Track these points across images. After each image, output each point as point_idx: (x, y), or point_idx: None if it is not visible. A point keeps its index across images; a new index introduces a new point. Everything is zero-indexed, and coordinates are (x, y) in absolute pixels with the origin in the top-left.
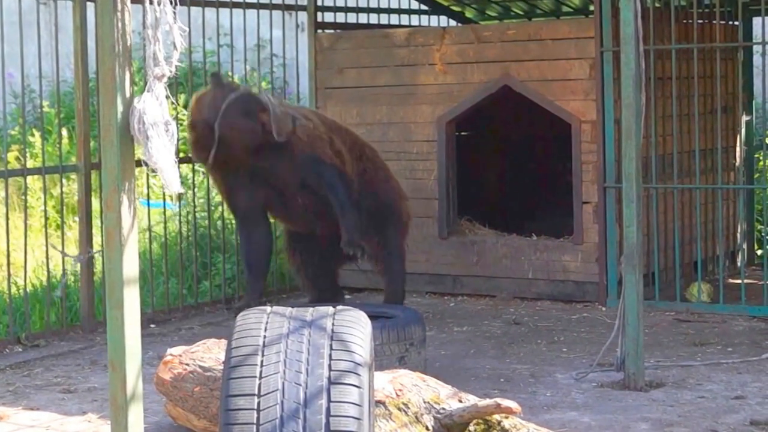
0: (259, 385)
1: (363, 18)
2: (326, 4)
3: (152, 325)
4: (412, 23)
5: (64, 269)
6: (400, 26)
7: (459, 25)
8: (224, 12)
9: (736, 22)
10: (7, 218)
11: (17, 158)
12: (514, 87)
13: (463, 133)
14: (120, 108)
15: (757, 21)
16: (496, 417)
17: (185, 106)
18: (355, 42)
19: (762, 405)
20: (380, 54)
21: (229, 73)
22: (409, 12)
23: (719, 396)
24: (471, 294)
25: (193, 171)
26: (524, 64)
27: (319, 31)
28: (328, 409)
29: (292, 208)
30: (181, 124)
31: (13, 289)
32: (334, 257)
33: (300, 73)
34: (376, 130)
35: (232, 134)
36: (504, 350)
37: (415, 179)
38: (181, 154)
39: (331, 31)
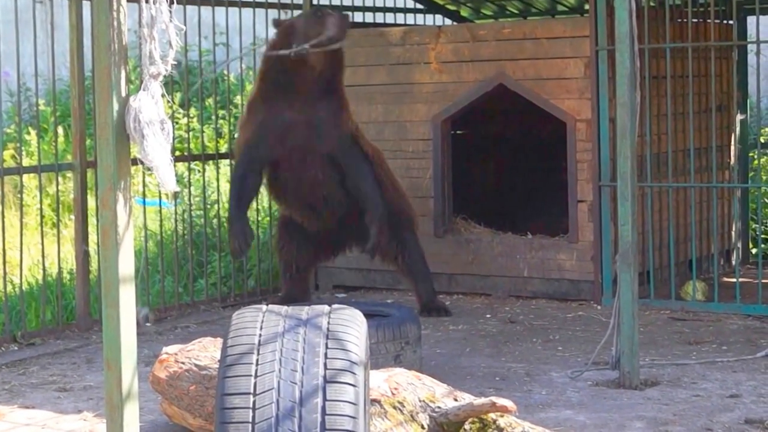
0: (255, 383)
1: (358, 17)
2: (322, 2)
3: (148, 324)
4: (408, 22)
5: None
6: (395, 25)
7: (454, 23)
8: (220, 11)
9: (731, 21)
10: (3, 216)
11: (13, 156)
12: (509, 86)
13: (458, 132)
14: (116, 106)
15: (751, 20)
16: (492, 415)
17: (181, 105)
18: (351, 40)
19: (757, 403)
20: (375, 53)
21: (225, 73)
22: (405, 11)
23: (714, 394)
24: (466, 292)
25: (189, 169)
26: (519, 62)
27: None
28: (323, 407)
29: (305, 180)
30: (177, 123)
31: (9, 288)
32: (324, 255)
33: None
34: (371, 129)
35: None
36: (499, 349)
37: (411, 178)
38: (177, 153)
39: None
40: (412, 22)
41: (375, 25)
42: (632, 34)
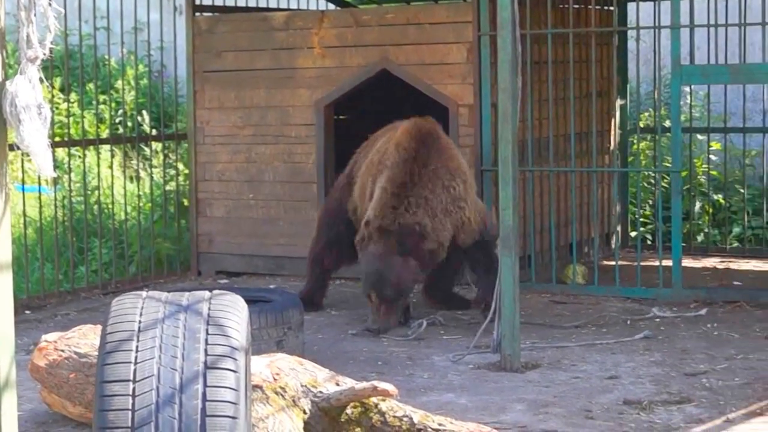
0: (135, 370)
1: (241, 1)
2: None
3: (27, 312)
4: (291, 6)
5: None
6: (278, 9)
7: (338, 8)
8: None
9: (611, 8)
10: None
11: None
12: (392, 71)
13: (341, 117)
14: None
15: (631, 6)
16: (374, 400)
17: (62, 90)
18: (234, 25)
19: (635, 384)
20: (259, 37)
21: (106, 57)
22: None
23: (593, 376)
24: (349, 277)
25: (69, 155)
26: (402, 48)
27: (197, 14)
28: (204, 393)
29: None
30: (57, 108)
31: None
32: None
33: (178, 56)
34: (254, 114)
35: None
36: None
37: (294, 163)
38: (56, 138)
39: (209, 14)
40: (295, 7)
41: (258, 9)
42: (514, 19)
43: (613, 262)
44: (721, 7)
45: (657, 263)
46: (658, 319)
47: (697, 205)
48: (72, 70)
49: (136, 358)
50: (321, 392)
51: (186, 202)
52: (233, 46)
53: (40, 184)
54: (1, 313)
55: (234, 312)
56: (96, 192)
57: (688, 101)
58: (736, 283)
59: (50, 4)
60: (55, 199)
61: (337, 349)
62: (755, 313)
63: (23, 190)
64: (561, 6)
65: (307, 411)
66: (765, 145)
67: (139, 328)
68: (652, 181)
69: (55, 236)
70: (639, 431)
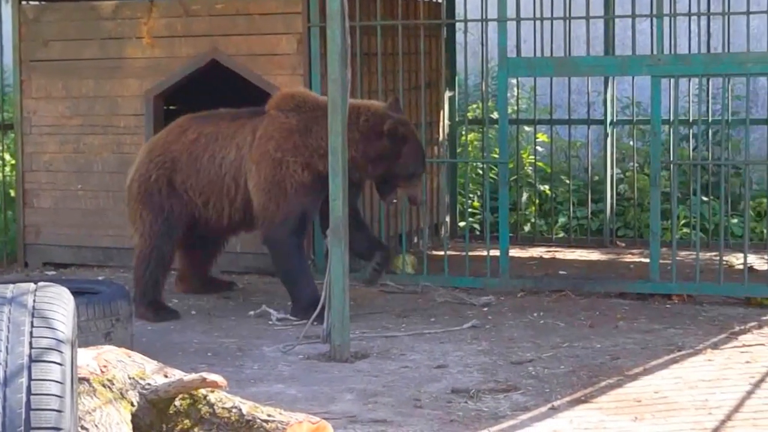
0: None
1: None
2: None
3: None
4: None
5: None
6: None
7: None
8: None
9: (440, 0)
10: None
11: None
12: (222, 61)
13: (171, 107)
14: None
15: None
16: (202, 391)
17: None
18: (61, 14)
19: (463, 373)
20: (87, 26)
21: None
22: None
23: (422, 365)
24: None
25: None
26: (232, 38)
27: (24, 2)
28: (28, 387)
29: None
30: None
31: None
32: None
33: (4, 44)
34: (82, 104)
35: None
36: (212, 324)
37: (123, 153)
38: None
39: (36, 2)
40: None
41: None
42: (344, 11)
43: (442, 252)
44: (547, 1)
45: (485, 253)
46: (485, 308)
47: (524, 195)
48: None
49: None
50: (149, 384)
51: (12, 193)
52: (61, 36)
53: None
54: None
55: (60, 304)
56: None
57: (515, 93)
58: (561, 272)
59: None
60: None
61: (167, 340)
62: (580, 302)
63: None
64: None
65: (135, 403)
66: (589, 136)
67: None
68: (480, 172)
69: None
70: (466, 419)
